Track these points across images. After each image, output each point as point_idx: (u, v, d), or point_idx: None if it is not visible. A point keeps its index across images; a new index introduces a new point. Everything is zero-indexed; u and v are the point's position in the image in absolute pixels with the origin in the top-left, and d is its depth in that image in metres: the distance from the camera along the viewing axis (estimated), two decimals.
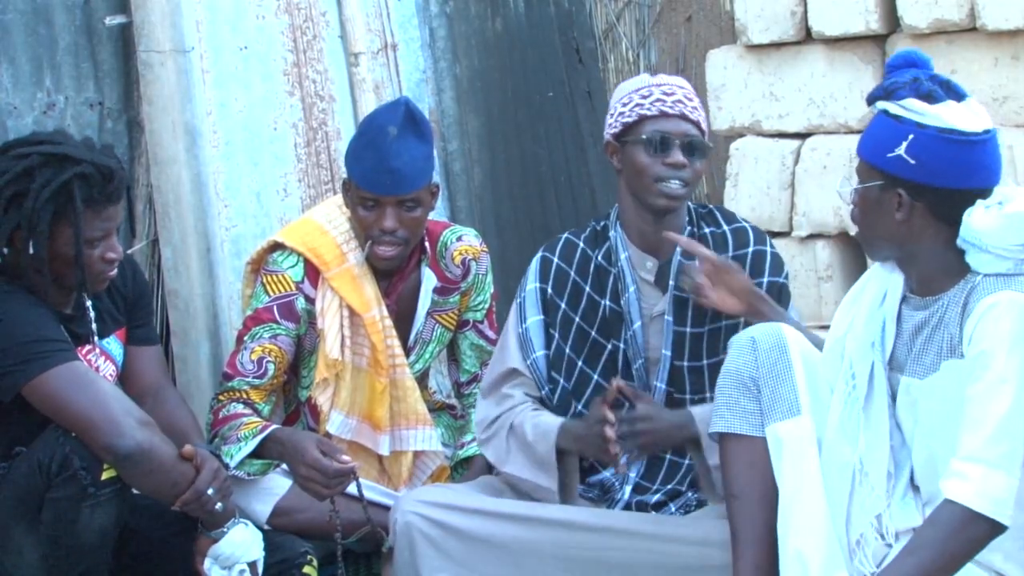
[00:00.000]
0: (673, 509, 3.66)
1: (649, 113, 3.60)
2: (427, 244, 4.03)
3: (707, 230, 3.70)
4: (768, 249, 3.69)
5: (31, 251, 3.38)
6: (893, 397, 3.09)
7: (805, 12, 4.92)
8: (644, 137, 3.58)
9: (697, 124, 3.62)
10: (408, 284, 4.04)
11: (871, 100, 3.08)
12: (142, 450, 3.27)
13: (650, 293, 3.68)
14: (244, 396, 3.86)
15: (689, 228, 3.68)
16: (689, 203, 3.70)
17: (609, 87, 5.81)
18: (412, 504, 3.55)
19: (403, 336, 4.02)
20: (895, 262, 3.11)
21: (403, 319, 4.03)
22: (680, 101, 3.61)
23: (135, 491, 3.44)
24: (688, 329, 3.64)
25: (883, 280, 3.15)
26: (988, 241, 2.94)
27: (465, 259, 4.07)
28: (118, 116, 4.72)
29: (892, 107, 3.01)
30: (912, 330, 3.07)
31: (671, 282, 3.65)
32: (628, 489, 3.66)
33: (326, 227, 3.98)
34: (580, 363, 3.69)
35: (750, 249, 3.67)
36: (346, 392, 3.95)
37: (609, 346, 3.67)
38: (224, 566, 3.47)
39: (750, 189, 5.01)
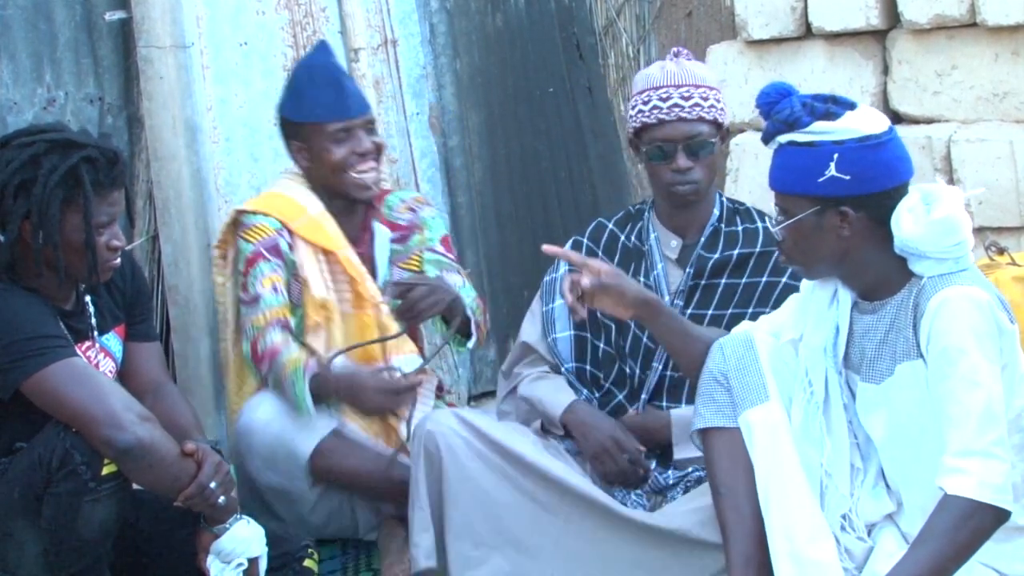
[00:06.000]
0: (680, 491, 3.68)
1: (649, 121, 3.70)
2: (376, 206, 4.23)
3: (739, 226, 3.79)
4: None
5: (40, 241, 3.37)
6: (854, 398, 3.15)
7: (805, 8, 4.92)
8: (644, 149, 3.73)
9: (701, 120, 3.68)
10: (367, 235, 4.21)
11: (771, 138, 3.08)
12: (142, 445, 3.27)
13: (673, 271, 3.79)
14: (278, 316, 4.00)
15: (716, 224, 3.77)
16: (724, 199, 3.83)
17: (609, 83, 5.80)
18: (448, 418, 3.57)
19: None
20: (838, 279, 3.14)
21: (368, 269, 4.19)
22: (677, 104, 3.67)
23: (137, 487, 3.44)
24: (691, 311, 3.71)
25: (830, 284, 3.18)
26: (925, 248, 2.99)
27: (409, 206, 4.31)
28: (118, 112, 4.72)
29: (799, 136, 3.02)
30: (864, 334, 3.12)
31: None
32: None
33: (278, 191, 4.19)
34: (601, 344, 3.79)
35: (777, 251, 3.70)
36: (340, 336, 4.08)
37: (632, 324, 3.76)
38: (226, 562, 3.47)
39: (750, 185, 5.01)
